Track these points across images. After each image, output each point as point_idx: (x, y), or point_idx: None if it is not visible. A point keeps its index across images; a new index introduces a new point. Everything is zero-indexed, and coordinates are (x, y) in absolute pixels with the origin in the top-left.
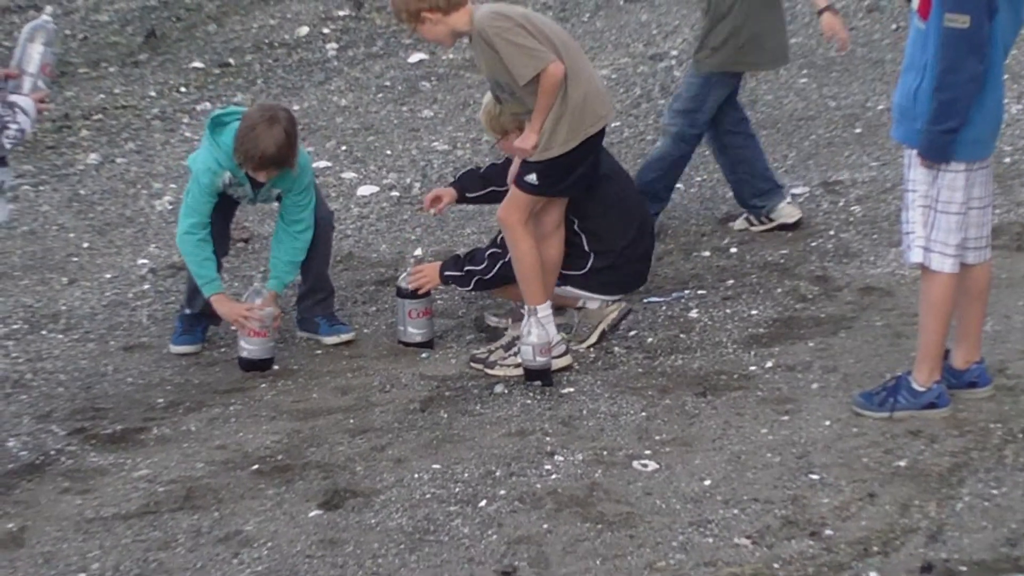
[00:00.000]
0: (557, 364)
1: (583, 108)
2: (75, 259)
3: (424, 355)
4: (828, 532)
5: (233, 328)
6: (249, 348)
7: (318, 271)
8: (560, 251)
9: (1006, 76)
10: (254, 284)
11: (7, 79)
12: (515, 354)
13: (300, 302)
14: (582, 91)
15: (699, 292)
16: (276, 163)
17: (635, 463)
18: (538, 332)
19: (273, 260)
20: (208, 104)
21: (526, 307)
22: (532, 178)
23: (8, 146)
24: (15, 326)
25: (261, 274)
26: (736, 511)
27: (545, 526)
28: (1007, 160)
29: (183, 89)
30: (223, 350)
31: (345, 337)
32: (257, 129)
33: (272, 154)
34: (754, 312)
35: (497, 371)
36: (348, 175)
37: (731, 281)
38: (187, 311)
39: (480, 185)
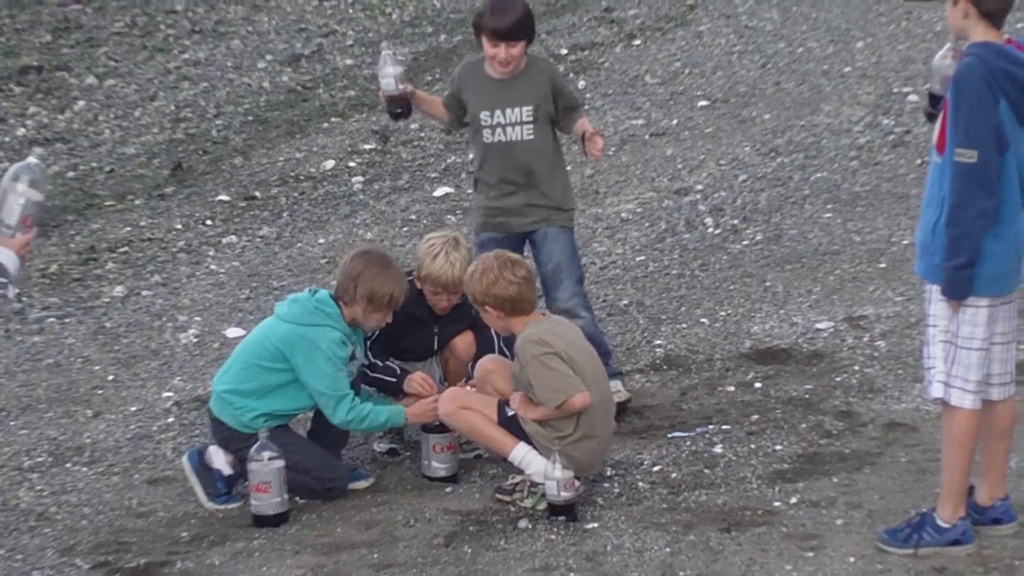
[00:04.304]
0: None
1: (578, 454)
2: (100, 392)
3: (448, 489)
4: None
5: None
6: (255, 504)
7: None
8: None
9: None
10: (260, 435)
11: None
12: (540, 486)
13: None
14: (590, 446)
15: (723, 427)
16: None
17: None
18: (561, 468)
19: (373, 404)
20: (234, 237)
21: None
22: (508, 411)
23: None
24: (39, 459)
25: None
26: None
27: None
28: None
29: (209, 222)
30: (246, 483)
31: (363, 484)
32: (390, 268)
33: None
34: (778, 447)
35: (527, 502)
36: None
37: (755, 416)
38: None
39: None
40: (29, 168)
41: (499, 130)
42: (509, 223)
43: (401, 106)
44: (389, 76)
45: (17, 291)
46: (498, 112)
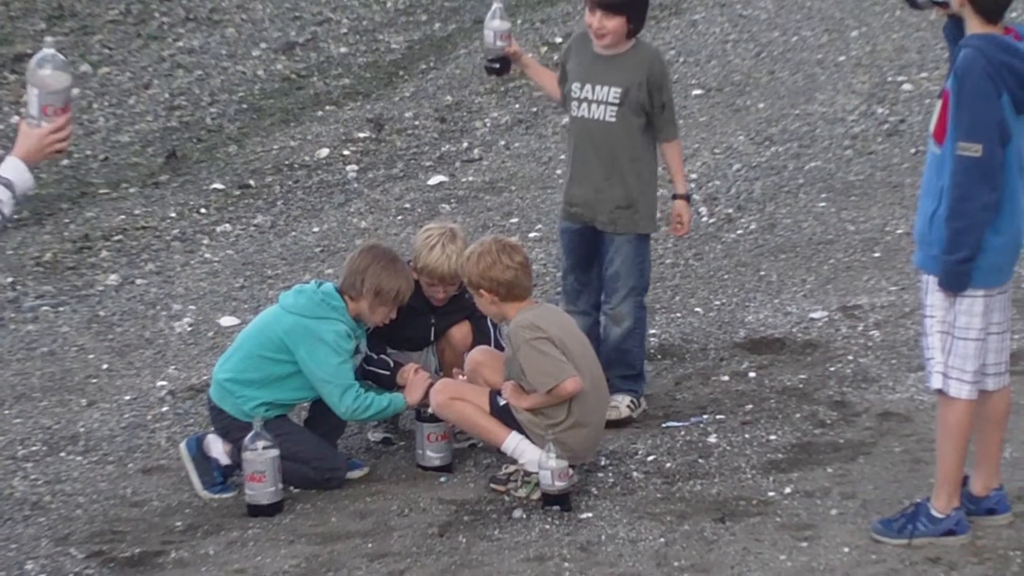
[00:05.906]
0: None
1: (571, 441)
2: (94, 381)
3: (443, 479)
4: None
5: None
6: (250, 493)
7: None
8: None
9: None
10: (255, 424)
11: None
12: (534, 475)
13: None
14: (583, 433)
15: (718, 417)
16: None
17: None
18: (555, 457)
19: (377, 393)
20: (228, 226)
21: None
22: (500, 401)
23: None
24: (34, 448)
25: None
26: None
27: None
28: None
29: (203, 210)
30: (242, 472)
31: (358, 474)
32: (396, 264)
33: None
34: (773, 437)
35: (521, 492)
36: None
37: (750, 406)
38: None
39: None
40: (41, 59)
41: (584, 105)
42: (582, 215)
43: (498, 61)
44: (489, 29)
45: (15, 211)
46: (588, 86)
